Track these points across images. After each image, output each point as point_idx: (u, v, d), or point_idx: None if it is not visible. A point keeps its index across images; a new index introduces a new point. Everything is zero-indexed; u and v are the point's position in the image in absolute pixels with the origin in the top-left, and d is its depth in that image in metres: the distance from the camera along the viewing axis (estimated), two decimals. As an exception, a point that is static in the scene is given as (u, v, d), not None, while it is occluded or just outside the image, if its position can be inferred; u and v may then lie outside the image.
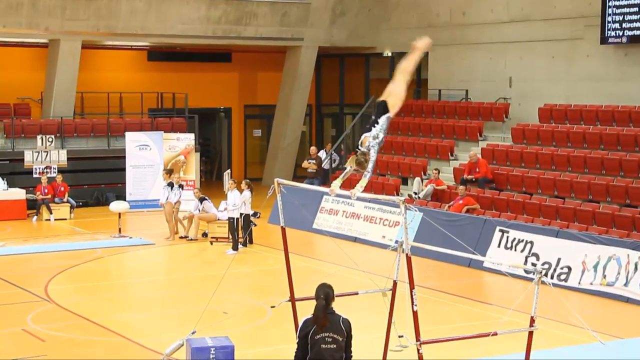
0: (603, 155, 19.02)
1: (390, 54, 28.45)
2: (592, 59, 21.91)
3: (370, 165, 8.70)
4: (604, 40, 21.20)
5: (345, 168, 9.15)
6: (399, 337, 9.92)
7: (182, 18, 26.10)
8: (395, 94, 9.07)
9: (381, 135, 8.73)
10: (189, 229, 20.06)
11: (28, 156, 24.04)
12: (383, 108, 8.88)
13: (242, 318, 13.16)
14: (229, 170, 21.14)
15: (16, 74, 27.30)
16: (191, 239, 19.80)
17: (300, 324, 7.35)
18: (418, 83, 27.75)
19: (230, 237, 18.69)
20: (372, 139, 8.72)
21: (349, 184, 9.59)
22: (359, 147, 8.83)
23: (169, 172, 21.09)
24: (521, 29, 23.63)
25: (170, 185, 20.26)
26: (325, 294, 7.24)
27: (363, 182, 8.83)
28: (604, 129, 19.91)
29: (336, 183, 9.02)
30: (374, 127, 8.75)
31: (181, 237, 20.06)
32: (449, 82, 25.53)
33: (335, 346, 7.16)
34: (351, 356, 7.35)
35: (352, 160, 8.82)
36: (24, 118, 25.82)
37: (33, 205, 22.97)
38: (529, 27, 23.46)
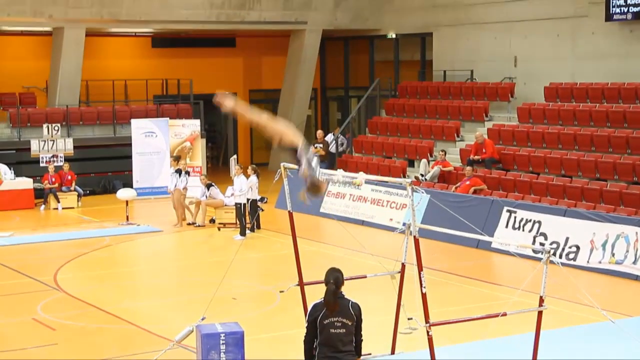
0: (610, 133, 18.96)
1: (394, 36, 28.35)
2: (597, 36, 21.80)
3: (313, 171, 7.99)
4: (608, 17, 21.08)
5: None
6: (408, 319, 9.94)
7: (185, 4, 26.03)
8: (277, 133, 8.22)
9: (312, 162, 8.12)
10: (196, 215, 20.07)
11: (34, 145, 24.06)
12: (290, 149, 8.26)
13: (251, 303, 13.18)
14: (235, 156, 21.13)
15: (21, 63, 27.29)
16: (199, 225, 19.83)
17: (309, 308, 7.36)
18: (423, 64, 27.67)
19: (238, 222, 18.70)
20: (312, 171, 8.09)
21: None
22: (304, 182, 8.11)
23: (177, 159, 21.12)
24: (525, 8, 23.51)
25: (178, 172, 20.26)
26: (335, 279, 7.24)
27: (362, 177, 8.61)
28: (610, 106, 19.83)
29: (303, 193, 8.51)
30: (301, 164, 8.18)
31: (189, 224, 20.08)
32: (453, 63, 25.44)
33: (344, 330, 7.17)
34: (361, 340, 7.35)
35: (304, 195, 8.30)
36: (29, 107, 25.83)
37: (40, 195, 23.01)
38: (533, 5, 23.34)
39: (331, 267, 7.39)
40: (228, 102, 8.52)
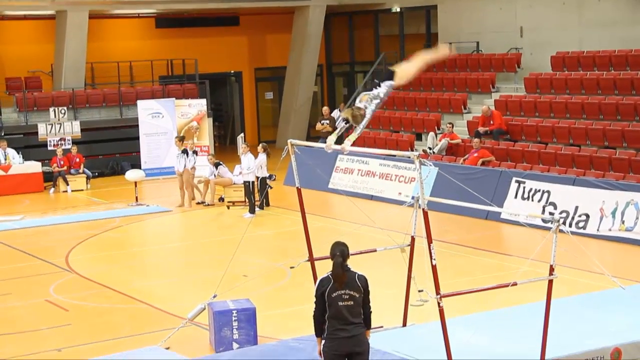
0: (618, 101, 18.88)
1: (399, 10, 28.22)
2: (603, 3, 21.65)
3: (363, 122, 8.87)
4: (614, -16, 20.95)
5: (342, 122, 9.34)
6: (419, 291, 9.96)
7: (188, -17, 25.97)
8: (406, 70, 9.44)
9: (380, 97, 8.92)
10: (205, 194, 20.11)
11: (42, 129, 24.10)
12: (390, 75, 9.02)
13: (262, 280, 13.23)
14: (242, 134, 21.12)
15: (25, 47, 27.28)
16: (208, 204, 19.86)
17: (317, 282, 7.40)
18: (428, 37, 27.54)
19: (247, 200, 18.72)
20: (371, 98, 8.88)
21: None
22: (357, 103, 8.98)
23: (181, 139, 21.04)
24: (530, -23, 23.37)
25: (185, 152, 20.24)
26: (340, 252, 7.30)
27: (353, 136, 9.04)
28: (618, 74, 19.73)
29: (331, 138, 9.25)
30: (376, 88, 8.90)
31: (198, 203, 20.12)
32: (459, 35, 25.31)
33: (352, 303, 7.23)
34: (370, 312, 7.40)
35: (348, 112, 8.98)
36: (35, 91, 25.85)
37: (49, 178, 23.08)
38: (538, -26, 23.20)
39: (336, 241, 7.44)
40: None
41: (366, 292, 7.34)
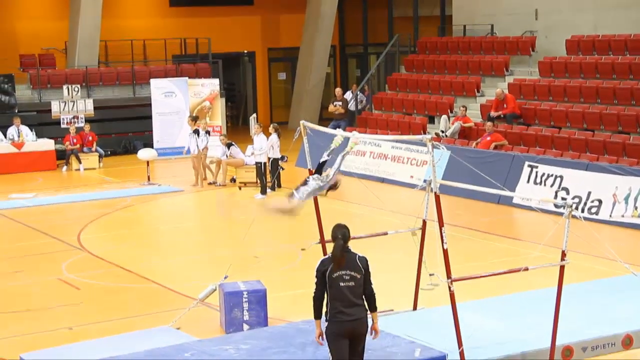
0: (633, 85, 18.74)
1: (413, -10, 28.08)
2: (620, -14, 21.48)
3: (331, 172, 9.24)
4: (632, -33, 20.76)
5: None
6: (430, 275, 9.95)
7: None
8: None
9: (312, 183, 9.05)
10: (217, 174, 20.12)
11: (55, 107, 24.15)
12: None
13: (273, 262, 13.25)
14: (254, 115, 21.09)
15: (39, 23, 27.30)
16: (220, 185, 19.88)
17: (317, 263, 7.44)
18: (442, 20, 27.40)
19: (259, 181, 18.72)
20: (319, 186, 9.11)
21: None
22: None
23: (195, 119, 21.04)
24: (546, -41, 23.18)
25: (196, 132, 20.24)
26: (342, 234, 7.36)
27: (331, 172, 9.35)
28: (633, 58, 19.57)
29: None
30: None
31: (210, 183, 20.14)
32: (473, 17, 25.17)
33: (353, 283, 7.29)
34: (373, 292, 7.43)
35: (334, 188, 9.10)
36: (49, 68, 25.88)
37: (62, 156, 23.14)
38: (554, -43, 23.01)
39: (337, 223, 7.49)
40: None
41: (367, 273, 7.38)
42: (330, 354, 7.35)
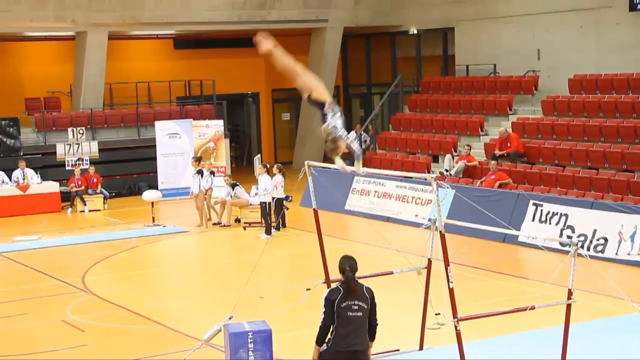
0: (636, 124, 18.79)
1: (416, 32, 28.27)
2: (621, 26, 21.62)
3: (355, 147, 8.72)
4: (632, 7, 20.90)
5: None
6: (436, 314, 9.91)
7: (206, 5, 26.13)
8: (307, 85, 9.07)
9: (336, 121, 8.64)
10: (221, 215, 20.13)
11: (60, 149, 24.24)
12: (316, 103, 8.84)
13: (278, 302, 13.20)
14: (259, 155, 21.15)
15: (45, 67, 27.50)
16: (224, 225, 19.88)
17: (325, 293, 7.51)
18: (445, 59, 27.57)
19: (263, 221, 18.71)
20: (335, 129, 8.54)
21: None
22: (326, 141, 8.76)
23: (198, 159, 21.16)
24: (548, 0, 23.35)
25: (200, 172, 20.31)
26: (350, 266, 7.48)
27: (357, 164, 8.95)
28: (636, 97, 19.66)
29: (339, 161, 8.98)
30: (326, 120, 8.70)
31: (214, 224, 20.14)
32: (476, 57, 25.33)
33: (361, 314, 7.39)
34: (376, 323, 7.55)
35: (329, 150, 8.72)
36: (54, 111, 26.01)
37: (67, 198, 23.17)
38: (555, -3, 23.20)
39: (344, 255, 7.60)
40: (266, 43, 8.87)
41: (373, 304, 7.51)
42: None
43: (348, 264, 7.47)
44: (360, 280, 7.56)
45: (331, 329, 7.42)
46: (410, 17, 27.97)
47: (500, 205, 16.97)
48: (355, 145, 8.77)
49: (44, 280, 15.32)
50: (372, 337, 7.53)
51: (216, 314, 11.64)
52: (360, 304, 7.39)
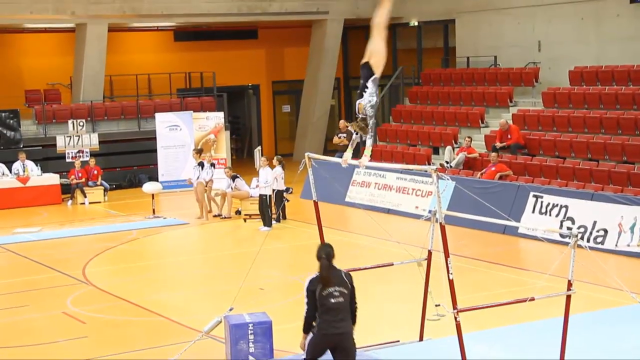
0: (636, 116, 18.79)
1: (417, 24, 28.23)
2: (622, 18, 21.59)
3: (370, 131, 8.89)
4: (633, -2, 20.88)
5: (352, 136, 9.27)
6: (436, 306, 9.92)
7: (206, -4, 26.12)
8: (376, 52, 9.05)
9: (374, 99, 8.88)
10: (222, 207, 20.14)
11: (60, 141, 24.24)
12: (368, 70, 8.98)
13: (278, 293, 13.21)
14: (259, 147, 21.14)
15: (45, 60, 27.48)
16: (225, 217, 19.89)
17: (306, 283, 7.71)
18: (446, 51, 27.54)
19: (262, 213, 18.70)
20: (367, 105, 8.79)
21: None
22: (357, 114, 8.98)
23: (199, 151, 21.20)
24: (549, -8, 23.34)
25: (201, 164, 20.33)
26: (326, 253, 7.66)
27: (367, 151, 9.06)
28: (637, 88, 19.65)
29: (347, 154, 9.23)
30: (365, 92, 8.87)
31: (215, 216, 20.15)
32: (477, 49, 25.31)
33: (342, 299, 7.62)
34: (356, 306, 7.77)
35: (355, 126, 9.03)
36: (54, 103, 26.01)
37: (67, 190, 23.17)
38: (556, -11, 23.17)
39: (321, 244, 7.86)
40: None
41: (353, 288, 7.72)
42: (305, 353, 7.69)
43: (324, 252, 7.65)
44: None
45: (317, 317, 7.62)
46: (411, 9, 27.92)
47: (501, 197, 16.97)
48: (371, 131, 8.90)
49: (44, 272, 15.34)
50: (353, 320, 7.76)
51: (216, 305, 11.66)
52: (341, 289, 7.59)
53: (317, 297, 7.57)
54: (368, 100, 8.85)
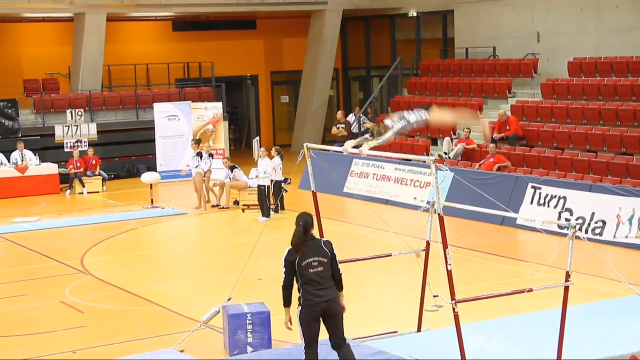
0: (635, 107, 18.78)
1: (415, 14, 28.20)
2: (621, 9, 21.56)
3: (387, 135, 9.05)
4: (633, -10, 20.86)
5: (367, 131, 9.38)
6: (434, 297, 9.94)
7: (205, -13, 26.07)
8: (443, 115, 9.85)
9: (410, 121, 9.11)
10: (220, 197, 20.14)
11: (59, 131, 24.22)
12: (426, 108, 9.24)
13: (276, 284, 13.11)
14: (258, 138, 21.12)
15: (43, 49, 27.42)
16: (223, 208, 19.90)
17: (285, 253, 7.90)
18: (445, 42, 27.50)
19: (260, 205, 18.69)
20: (400, 118, 9.04)
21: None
22: (386, 120, 9.16)
23: (198, 142, 21.18)
24: (548, -17, 23.31)
25: (199, 155, 20.32)
26: (304, 222, 7.85)
27: (373, 143, 9.14)
28: (636, 80, 19.63)
29: (350, 143, 9.25)
30: (409, 112, 9.11)
31: (213, 206, 20.15)
32: (476, 40, 25.27)
33: (322, 268, 7.77)
34: (340, 273, 7.92)
35: (374, 126, 9.15)
36: (53, 93, 25.98)
37: (66, 180, 23.17)
38: (556, -20, 23.13)
39: (302, 212, 7.97)
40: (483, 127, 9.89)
41: (333, 256, 7.85)
42: (302, 337, 7.77)
43: (302, 220, 7.82)
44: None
45: (300, 290, 7.77)
46: (410, 0, 27.88)
47: (499, 188, 16.98)
48: (387, 137, 9.04)
49: (43, 261, 15.35)
50: (339, 287, 7.88)
51: (215, 295, 11.67)
52: (320, 259, 7.74)
53: (297, 269, 7.72)
54: (404, 116, 9.09)
